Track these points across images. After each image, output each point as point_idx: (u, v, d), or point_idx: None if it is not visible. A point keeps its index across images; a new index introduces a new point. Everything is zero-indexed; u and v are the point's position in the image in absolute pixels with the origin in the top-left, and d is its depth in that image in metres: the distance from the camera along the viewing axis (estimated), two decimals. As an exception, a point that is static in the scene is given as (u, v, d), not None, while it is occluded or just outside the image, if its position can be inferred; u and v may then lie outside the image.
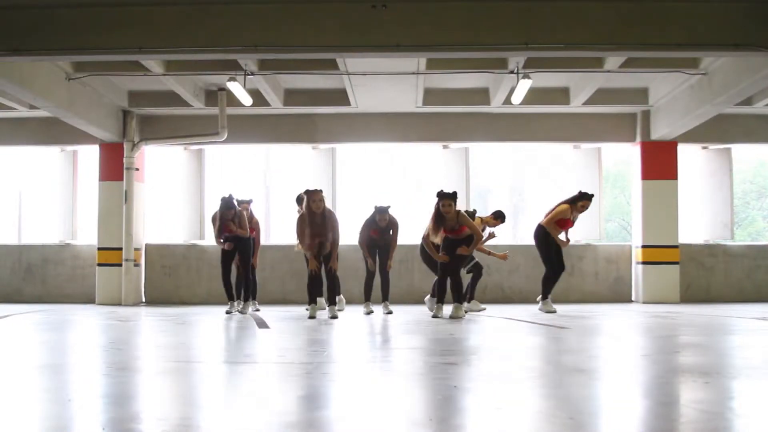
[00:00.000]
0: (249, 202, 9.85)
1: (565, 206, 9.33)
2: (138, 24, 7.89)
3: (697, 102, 10.13)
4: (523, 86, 9.61)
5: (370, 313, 8.92)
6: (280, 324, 7.56)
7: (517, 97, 10.04)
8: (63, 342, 6.17)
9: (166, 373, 4.13)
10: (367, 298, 9.15)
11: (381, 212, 9.02)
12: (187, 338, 6.28)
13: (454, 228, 8.21)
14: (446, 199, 8.09)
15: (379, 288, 9.12)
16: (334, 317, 8.21)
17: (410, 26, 7.71)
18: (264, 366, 4.37)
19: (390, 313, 8.92)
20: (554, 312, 9.08)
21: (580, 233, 12.20)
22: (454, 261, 8.28)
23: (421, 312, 9.26)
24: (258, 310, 9.83)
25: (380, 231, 9.10)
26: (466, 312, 8.76)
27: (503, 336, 6.41)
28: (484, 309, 9.54)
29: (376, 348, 5.68)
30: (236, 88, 9.77)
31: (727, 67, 9.22)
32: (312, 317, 8.28)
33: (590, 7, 7.70)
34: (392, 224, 9.09)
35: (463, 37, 7.76)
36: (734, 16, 7.64)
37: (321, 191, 8.45)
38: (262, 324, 7.51)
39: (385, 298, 9.13)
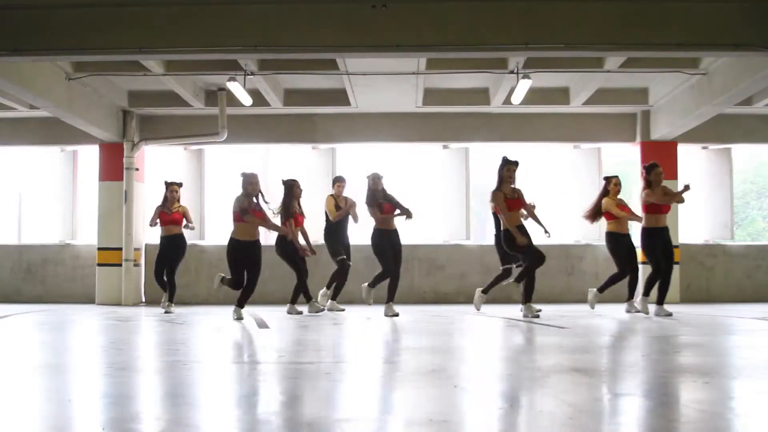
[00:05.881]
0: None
1: (606, 200, 9.05)
2: (138, 24, 7.89)
3: (696, 102, 10.14)
4: (523, 86, 9.62)
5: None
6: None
7: (517, 97, 10.05)
8: (63, 342, 6.18)
9: (164, 372, 4.14)
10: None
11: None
12: (187, 338, 6.29)
13: (514, 197, 8.37)
14: (512, 164, 8.41)
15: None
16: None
17: (410, 26, 7.72)
18: (264, 366, 4.37)
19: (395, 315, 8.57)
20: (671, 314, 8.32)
21: (579, 233, 12.22)
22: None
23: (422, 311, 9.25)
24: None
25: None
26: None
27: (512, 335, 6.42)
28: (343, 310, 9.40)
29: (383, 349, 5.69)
30: (236, 88, 9.78)
31: (726, 67, 9.23)
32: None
33: (590, 7, 7.70)
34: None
35: (463, 37, 7.77)
36: (734, 16, 7.64)
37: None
38: (262, 324, 7.52)
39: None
